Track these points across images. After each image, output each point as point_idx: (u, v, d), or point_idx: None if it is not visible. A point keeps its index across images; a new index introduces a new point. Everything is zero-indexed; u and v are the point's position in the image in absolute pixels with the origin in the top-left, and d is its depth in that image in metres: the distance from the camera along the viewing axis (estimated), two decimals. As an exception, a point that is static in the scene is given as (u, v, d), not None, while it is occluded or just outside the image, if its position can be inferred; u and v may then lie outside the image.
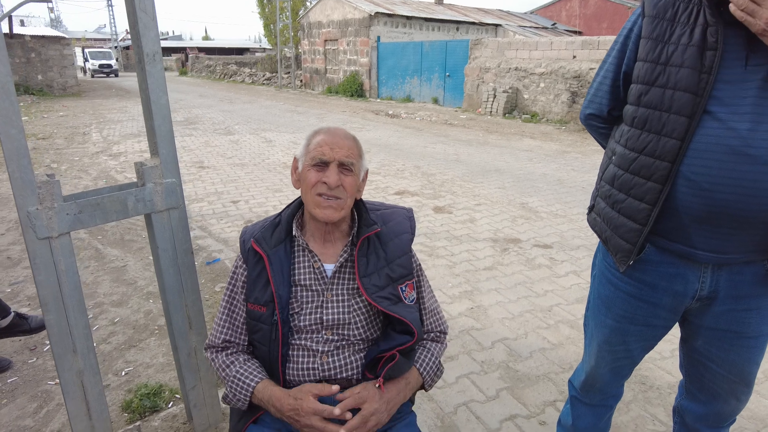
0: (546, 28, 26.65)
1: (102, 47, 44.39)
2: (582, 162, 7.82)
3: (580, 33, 25.83)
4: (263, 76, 28.15)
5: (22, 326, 2.62)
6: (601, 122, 1.44)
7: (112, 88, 23.58)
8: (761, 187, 1.08)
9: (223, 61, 36.54)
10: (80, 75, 39.07)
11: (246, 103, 16.75)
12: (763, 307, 1.27)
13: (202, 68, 36.62)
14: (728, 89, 1.11)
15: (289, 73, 25.88)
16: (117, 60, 38.09)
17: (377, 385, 1.24)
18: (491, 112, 13.55)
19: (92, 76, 35.19)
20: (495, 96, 13.53)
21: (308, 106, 16.18)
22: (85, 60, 37.36)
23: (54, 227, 1.47)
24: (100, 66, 35.44)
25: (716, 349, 1.35)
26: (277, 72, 26.76)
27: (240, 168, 7.26)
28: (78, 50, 42.64)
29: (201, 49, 51.13)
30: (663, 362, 2.60)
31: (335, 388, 1.20)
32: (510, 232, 4.62)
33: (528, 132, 10.77)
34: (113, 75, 36.10)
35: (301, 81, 24.31)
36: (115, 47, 50.94)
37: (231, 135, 10.21)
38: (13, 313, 2.61)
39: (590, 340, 1.58)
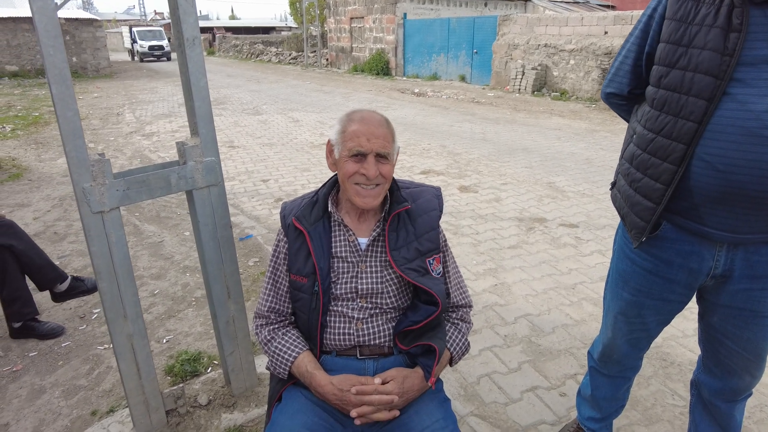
0: (578, 2, 25.77)
1: (152, 26, 38.25)
2: (611, 141, 7.68)
3: (613, 8, 24.90)
4: (289, 55, 28.19)
5: (79, 287, 2.84)
6: (621, 100, 1.47)
7: (142, 68, 24.00)
8: None
9: (249, 40, 36.33)
10: (123, 57, 35.48)
11: (273, 83, 16.86)
12: None
13: (229, 48, 36.78)
14: (750, 71, 1.11)
15: (315, 51, 25.83)
16: (169, 40, 32.13)
17: (429, 383, 1.33)
18: (519, 89, 13.33)
19: (141, 60, 30.66)
20: (523, 73, 13.28)
21: (334, 85, 16.20)
22: (133, 41, 32.32)
23: (105, 202, 1.60)
24: (150, 48, 30.83)
25: (731, 327, 1.39)
26: (303, 51, 26.75)
27: (269, 147, 7.40)
28: (125, 30, 39.18)
29: (228, 29, 51.19)
30: (685, 340, 2.63)
31: (377, 380, 1.29)
32: (536, 212, 4.63)
33: (557, 110, 10.59)
34: (165, 58, 31.07)
35: (327, 60, 24.26)
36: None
37: (259, 115, 10.35)
38: (70, 277, 2.82)
39: (607, 312, 1.64)
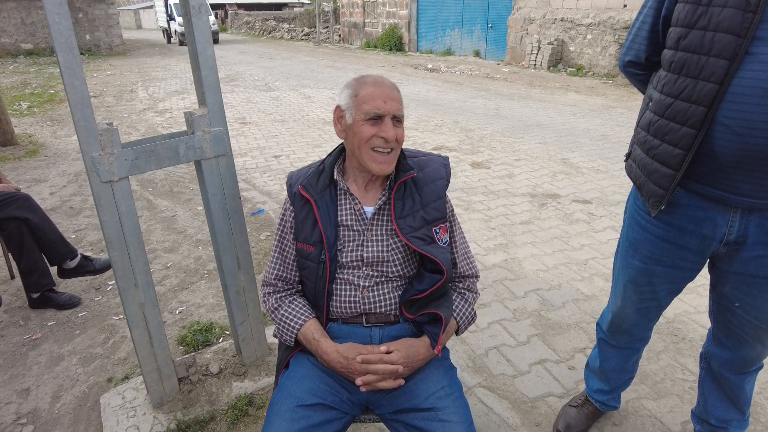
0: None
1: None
2: (627, 117, 7.52)
3: (634, -22, 24.10)
4: (302, 31, 27.90)
5: (87, 267, 2.88)
6: (639, 69, 1.42)
7: (155, 46, 23.95)
8: None
9: (261, 17, 35.91)
10: (155, 37, 29.36)
11: (285, 60, 16.74)
12: None
13: (242, 25, 36.47)
14: None
15: (327, 27, 25.52)
16: (216, 16, 26.14)
17: (435, 350, 1.33)
18: (535, 65, 13.05)
19: (181, 43, 23.36)
20: (539, 48, 12.98)
21: (346, 61, 16.02)
22: (170, 18, 25.14)
23: (114, 171, 1.61)
24: None
25: (744, 295, 1.36)
26: (315, 27, 26.42)
27: (281, 124, 7.38)
28: (158, 3, 30.05)
29: (240, 5, 50.67)
30: (697, 316, 2.60)
31: (383, 348, 1.30)
32: (549, 188, 4.58)
33: (573, 86, 10.37)
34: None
35: (340, 36, 23.96)
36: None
37: (271, 91, 10.31)
38: (80, 255, 2.86)
39: (617, 281, 1.62)
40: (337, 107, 1.36)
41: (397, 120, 1.30)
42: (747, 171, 1.16)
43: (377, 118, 1.28)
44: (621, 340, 1.72)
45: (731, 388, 1.57)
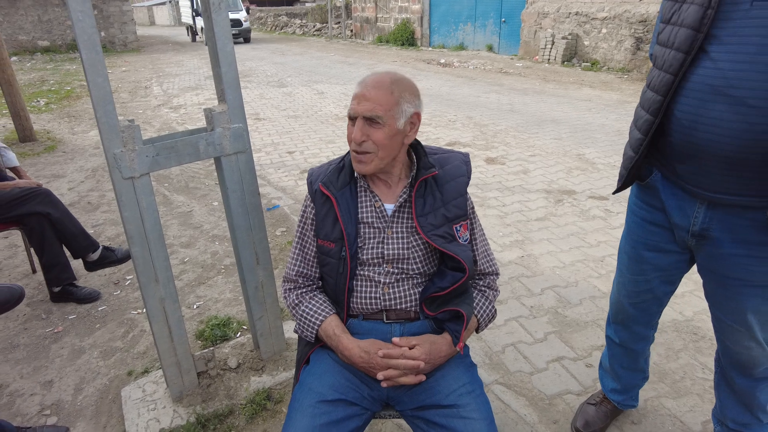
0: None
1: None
2: (645, 112, 7.42)
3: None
4: (313, 27, 27.88)
5: (110, 257, 2.92)
6: None
7: (168, 42, 24.11)
8: (738, 128, 1.09)
9: (274, 12, 35.98)
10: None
11: (297, 55, 16.76)
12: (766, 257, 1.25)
13: (254, 21, 36.51)
14: (729, 27, 1.10)
15: (339, 23, 25.48)
16: (248, 11, 23.36)
17: (457, 348, 1.34)
18: (549, 59, 12.92)
19: (207, 43, 15.59)
20: (553, 43, 12.84)
21: (358, 56, 16.00)
22: (195, 14, 22.57)
23: (135, 168, 1.62)
24: None
25: (720, 297, 1.37)
26: (327, 22, 26.38)
27: (294, 120, 7.40)
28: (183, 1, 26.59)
29: (252, 1, 50.81)
30: (718, 313, 2.56)
31: (405, 341, 1.30)
32: (564, 184, 4.54)
33: (587, 81, 10.25)
34: (242, 40, 21.51)
35: (351, 31, 23.92)
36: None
37: (284, 87, 10.33)
38: (101, 247, 2.91)
39: (616, 271, 1.68)
40: None
41: (372, 121, 1.26)
42: (698, 164, 1.21)
43: (353, 119, 1.29)
44: (623, 336, 1.73)
45: (743, 393, 1.54)
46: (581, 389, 2.10)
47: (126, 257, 2.98)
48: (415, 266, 1.38)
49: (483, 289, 1.48)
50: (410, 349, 1.29)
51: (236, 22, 20.50)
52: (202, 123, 6.94)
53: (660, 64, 1.24)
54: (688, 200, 1.31)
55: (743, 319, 1.35)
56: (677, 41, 1.18)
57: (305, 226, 1.46)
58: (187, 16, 24.55)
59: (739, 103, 1.08)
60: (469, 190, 1.45)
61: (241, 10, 21.88)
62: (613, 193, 1.54)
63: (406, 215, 1.38)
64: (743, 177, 1.15)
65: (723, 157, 1.15)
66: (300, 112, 7.95)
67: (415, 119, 1.34)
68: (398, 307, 1.38)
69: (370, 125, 1.27)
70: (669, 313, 2.56)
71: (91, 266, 2.91)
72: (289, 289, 1.48)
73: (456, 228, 1.38)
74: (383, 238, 1.37)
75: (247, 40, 21.61)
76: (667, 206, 1.37)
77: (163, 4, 42.06)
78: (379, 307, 1.38)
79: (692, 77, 1.16)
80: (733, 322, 1.38)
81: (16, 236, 3.55)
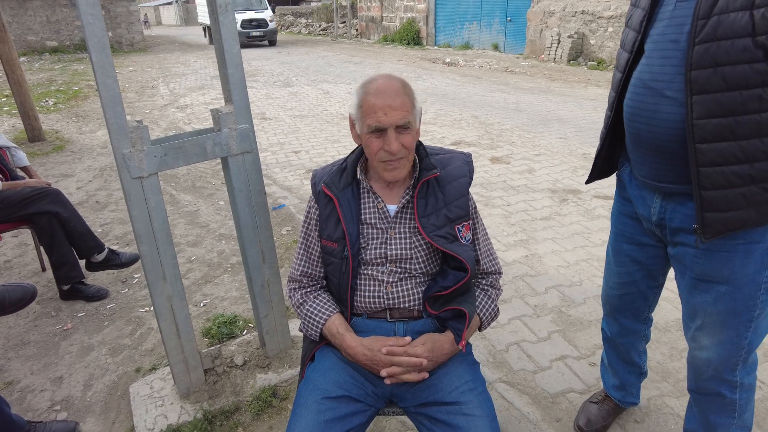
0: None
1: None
2: (651, 111, 7.39)
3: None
4: (319, 26, 27.94)
5: (114, 260, 2.95)
6: None
7: (175, 42, 24.23)
8: (661, 118, 1.20)
9: (279, 12, 36.03)
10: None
11: (303, 55, 16.80)
12: (717, 251, 1.25)
13: (259, 20, 36.53)
14: (658, 27, 1.22)
15: (344, 22, 25.51)
16: (273, 11, 22.08)
17: (460, 347, 1.35)
18: (555, 58, 12.89)
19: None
20: (559, 42, 12.81)
21: (364, 55, 16.02)
22: None
23: (144, 168, 1.65)
24: (244, 24, 18.89)
25: (682, 290, 1.41)
26: (332, 22, 26.42)
27: (300, 119, 7.43)
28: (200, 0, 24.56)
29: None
30: (723, 313, 2.57)
31: (407, 339, 1.33)
32: (570, 183, 4.54)
33: (593, 80, 10.22)
34: (267, 42, 19.95)
35: (357, 30, 23.95)
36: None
37: (290, 87, 10.37)
38: (107, 249, 2.94)
39: (605, 263, 1.74)
40: (350, 115, 1.39)
41: (403, 128, 1.27)
42: (641, 154, 1.31)
43: (380, 131, 1.27)
44: (613, 329, 1.77)
45: (695, 402, 1.55)
46: (584, 388, 2.11)
47: (131, 261, 3.01)
48: (418, 266, 1.40)
49: (486, 288, 1.50)
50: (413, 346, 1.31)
51: (261, 23, 19.24)
52: (208, 122, 6.98)
53: (617, 64, 1.39)
54: (648, 190, 1.37)
55: (693, 317, 1.38)
56: (626, 42, 1.33)
57: (309, 227, 1.48)
58: (204, 16, 23.09)
59: (659, 94, 1.20)
60: (473, 189, 1.47)
61: (266, 8, 20.17)
62: (586, 183, 1.61)
63: (408, 216, 1.40)
64: (675, 165, 1.24)
65: (655, 146, 1.25)
66: (306, 111, 7.98)
67: (420, 117, 1.39)
68: (401, 305, 1.40)
69: (399, 132, 1.28)
70: (672, 312, 2.56)
71: (94, 267, 2.93)
72: (294, 288, 1.51)
73: (458, 228, 1.40)
74: (386, 238, 1.39)
75: (272, 43, 20.05)
76: (632, 198, 1.45)
77: (170, 4, 42.07)
78: (383, 305, 1.40)
79: (633, 74, 1.29)
80: (689, 319, 1.41)
81: (26, 235, 3.60)
